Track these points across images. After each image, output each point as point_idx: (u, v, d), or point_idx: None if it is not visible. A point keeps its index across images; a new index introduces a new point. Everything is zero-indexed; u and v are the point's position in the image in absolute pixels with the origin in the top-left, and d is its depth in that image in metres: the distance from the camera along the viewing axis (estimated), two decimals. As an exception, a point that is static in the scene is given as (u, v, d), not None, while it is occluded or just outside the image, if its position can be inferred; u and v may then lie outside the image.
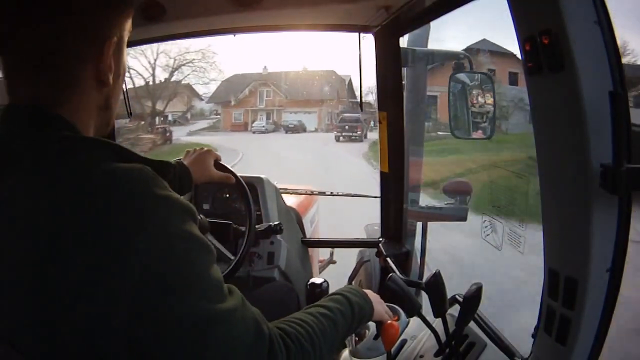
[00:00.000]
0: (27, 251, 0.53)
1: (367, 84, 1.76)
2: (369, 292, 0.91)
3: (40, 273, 0.52)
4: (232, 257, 1.60)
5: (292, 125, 27.72)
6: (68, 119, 0.61)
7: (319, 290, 1.23)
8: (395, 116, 1.75)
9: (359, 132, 20.23)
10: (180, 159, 1.37)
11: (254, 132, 27.39)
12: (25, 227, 0.54)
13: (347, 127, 20.79)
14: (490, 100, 1.52)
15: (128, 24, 0.69)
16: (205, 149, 1.45)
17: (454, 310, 1.04)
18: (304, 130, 27.57)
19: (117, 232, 0.53)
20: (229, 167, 1.71)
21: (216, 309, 0.57)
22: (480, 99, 1.53)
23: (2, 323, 0.54)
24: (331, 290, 1.23)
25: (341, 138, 20.74)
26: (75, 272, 0.52)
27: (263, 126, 29.04)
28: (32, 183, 0.56)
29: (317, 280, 1.24)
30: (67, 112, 0.62)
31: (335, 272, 2.51)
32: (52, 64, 0.61)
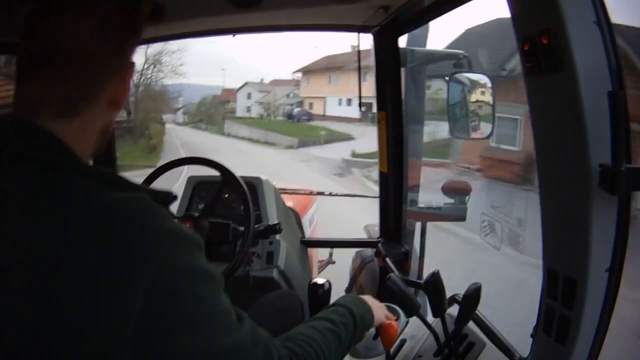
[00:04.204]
0: (25, 288, 0.50)
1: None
2: (368, 297, 0.91)
3: (39, 312, 0.49)
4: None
5: None
6: (66, 141, 0.57)
7: (322, 291, 1.22)
8: (394, 116, 1.75)
9: None
10: None
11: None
12: (21, 260, 0.51)
13: None
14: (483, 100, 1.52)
15: None
16: None
17: (453, 310, 1.04)
18: None
19: (119, 269, 0.50)
20: (224, 165, 1.71)
21: (225, 342, 0.56)
22: (477, 98, 1.53)
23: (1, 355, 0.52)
24: (333, 291, 1.23)
25: None
26: (75, 312, 0.49)
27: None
28: (25, 216, 0.52)
29: (319, 280, 1.23)
30: (69, 132, 0.57)
31: (334, 272, 2.51)
32: (78, 68, 0.57)
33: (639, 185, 0.67)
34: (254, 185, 1.95)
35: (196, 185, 2.05)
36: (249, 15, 1.43)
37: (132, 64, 0.63)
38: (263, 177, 2.04)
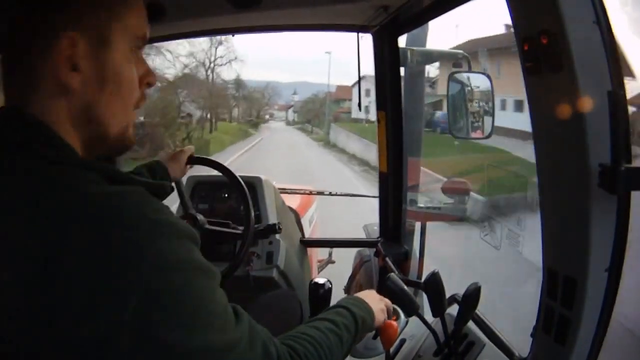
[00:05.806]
0: (14, 287, 0.49)
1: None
2: (369, 293, 0.90)
3: (30, 311, 0.48)
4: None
5: None
6: (47, 124, 0.57)
7: (322, 291, 1.22)
8: (394, 116, 1.76)
9: None
10: (157, 159, 1.41)
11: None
12: (9, 255, 0.50)
13: None
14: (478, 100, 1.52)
15: (120, 20, 0.60)
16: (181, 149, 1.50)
17: (453, 309, 1.04)
18: None
19: (113, 264, 0.49)
20: (225, 165, 1.71)
21: (222, 338, 0.55)
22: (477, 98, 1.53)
23: None
24: (334, 291, 1.23)
25: None
26: (68, 309, 0.48)
27: None
28: (12, 209, 0.52)
29: (320, 280, 1.23)
30: (43, 116, 0.57)
31: (334, 272, 2.51)
32: (13, 59, 0.58)
33: (639, 185, 0.67)
34: (253, 185, 1.95)
35: (196, 185, 2.05)
36: (248, 15, 1.43)
37: (67, 37, 0.57)
38: (263, 176, 2.04)
